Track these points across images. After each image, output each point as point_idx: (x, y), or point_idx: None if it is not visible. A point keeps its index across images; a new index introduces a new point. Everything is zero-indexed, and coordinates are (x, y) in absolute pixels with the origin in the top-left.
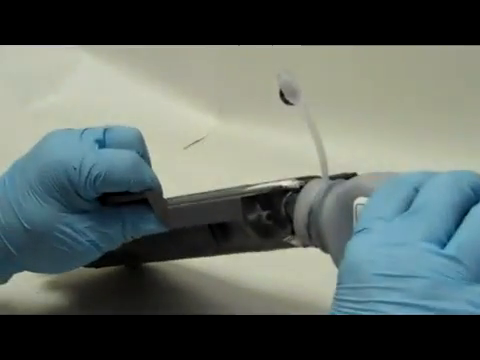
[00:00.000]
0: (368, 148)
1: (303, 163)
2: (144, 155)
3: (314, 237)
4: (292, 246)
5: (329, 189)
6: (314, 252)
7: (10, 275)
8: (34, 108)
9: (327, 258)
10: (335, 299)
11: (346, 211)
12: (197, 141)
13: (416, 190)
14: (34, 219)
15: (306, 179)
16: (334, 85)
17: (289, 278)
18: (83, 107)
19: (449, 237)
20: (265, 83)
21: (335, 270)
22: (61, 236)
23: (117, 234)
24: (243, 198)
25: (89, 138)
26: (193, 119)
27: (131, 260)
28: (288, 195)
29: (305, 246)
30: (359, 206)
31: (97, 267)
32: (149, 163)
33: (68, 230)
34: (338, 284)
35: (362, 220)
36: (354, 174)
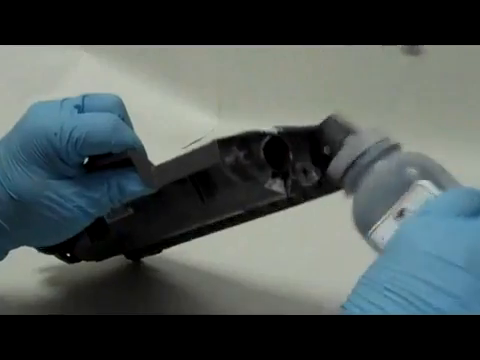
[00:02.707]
0: None
1: None
2: (125, 119)
3: (347, 180)
4: (275, 195)
5: (392, 150)
6: (314, 252)
7: (5, 252)
8: None
9: (327, 258)
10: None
11: (398, 179)
12: (196, 141)
13: None
14: (20, 188)
15: (287, 128)
16: (334, 85)
17: (289, 278)
18: None
19: None
20: (265, 83)
21: (335, 270)
22: (48, 203)
23: (104, 197)
24: (219, 141)
25: (69, 105)
26: (192, 119)
27: (129, 244)
28: (266, 139)
29: (288, 195)
30: (419, 186)
31: (98, 260)
32: (132, 128)
33: (54, 196)
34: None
35: (429, 207)
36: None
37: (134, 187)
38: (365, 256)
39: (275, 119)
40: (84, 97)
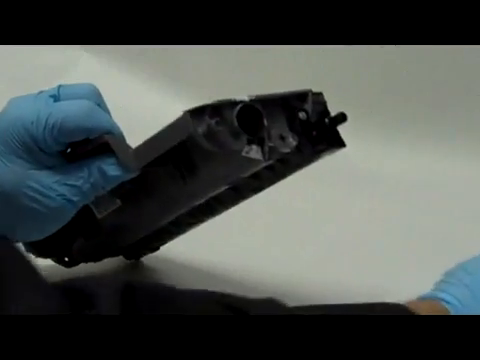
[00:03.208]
0: (367, 147)
1: None
2: (101, 106)
3: None
4: (254, 164)
5: None
6: (315, 252)
7: None
8: None
9: (328, 257)
10: None
11: None
12: None
13: None
14: (2, 180)
15: (260, 95)
16: (334, 85)
17: (290, 277)
18: None
19: None
20: (264, 83)
21: (335, 270)
22: (31, 193)
23: (85, 185)
24: (191, 111)
25: (44, 96)
26: None
27: (124, 239)
28: (239, 107)
29: (266, 160)
30: None
31: (96, 261)
32: (109, 114)
33: (36, 186)
34: None
35: None
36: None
37: (115, 172)
38: (365, 256)
39: None
40: (59, 87)
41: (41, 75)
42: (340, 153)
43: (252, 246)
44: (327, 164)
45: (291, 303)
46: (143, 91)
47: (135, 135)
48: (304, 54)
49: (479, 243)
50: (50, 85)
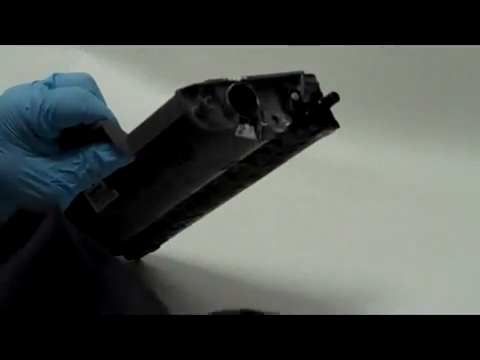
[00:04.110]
0: (367, 147)
1: (301, 161)
2: (96, 94)
3: None
4: (248, 144)
5: None
6: (315, 252)
7: None
8: None
9: (327, 258)
10: None
11: None
12: None
13: None
14: None
15: (252, 76)
16: (334, 84)
17: (290, 277)
18: None
19: None
20: None
21: (335, 270)
22: (26, 179)
23: (81, 171)
24: (182, 90)
25: (39, 84)
26: None
27: (124, 233)
28: (231, 87)
29: (260, 140)
30: None
31: None
32: (104, 102)
33: (32, 172)
34: None
35: None
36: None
37: (110, 157)
38: (365, 256)
39: None
40: (55, 75)
41: (41, 75)
42: (341, 154)
43: (252, 246)
44: (327, 164)
45: (291, 303)
46: (143, 91)
47: None
48: (304, 54)
49: (479, 243)
50: None
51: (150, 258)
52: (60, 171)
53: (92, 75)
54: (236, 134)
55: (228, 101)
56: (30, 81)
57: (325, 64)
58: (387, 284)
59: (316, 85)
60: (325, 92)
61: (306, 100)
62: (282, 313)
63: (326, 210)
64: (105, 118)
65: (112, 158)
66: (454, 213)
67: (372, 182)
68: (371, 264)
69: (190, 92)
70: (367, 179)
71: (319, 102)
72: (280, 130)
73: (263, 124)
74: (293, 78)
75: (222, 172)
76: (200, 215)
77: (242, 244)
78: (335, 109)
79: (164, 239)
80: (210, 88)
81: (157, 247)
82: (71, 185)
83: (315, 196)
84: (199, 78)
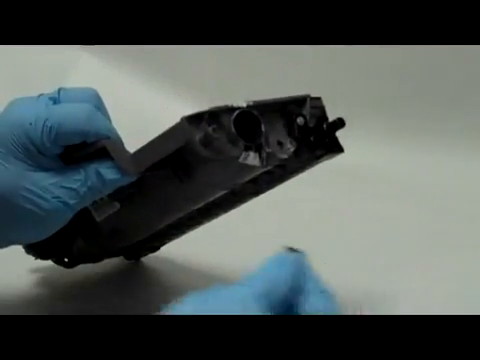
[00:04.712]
0: (367, 147)
1: None
2: (101, 111)
3: None
4: (252, 170)
5: None
6: (314, 252)
7: None
8: None
9: (327, 259)
10: None
11: None
12: None
13: None
14: None
15: (257, 101)
16: (333, 84)
17: None
18: None
19: None
20: (264, 83)
21: (335, 270)
22: (27, 194)
23: (82, 188)
24: (188, 117)
25: (44, 98)
26: None
27: (124, 241)
28: (236, 113)
29: (263, 166)
30: None
31: (96, 261)
32: (109, 119)
33: (33, 187)
34: None
35: None
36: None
37: (112, 175)
38: (364, 256)
39: None
40: (60, 90)
41: (41, 75)
42: (341, 154)
43: (252, 247)
44: (327, 164)
45: None
46: (143, 91)
47: (135, 135)
48: (304, 54)
49: (479, 243)
50: (50, 85)
51: (150, 259)
52: (61, 187)
53: (92, 75)
54: (240, 161)
55: (233, 128)
56: (31, 83)
57: (325, 64)
58: (388, 284)
59: (322, 108)
60: (325, 92)
61: (312, 124)
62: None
63: (327, 210)
64: (108, 137)
65: (114, 176)
66: (455, 213)
67: (372, 182)
68: (371, 264)
69: (195, 119)
70: (367, 179)
71: (324, 126)
72: (284, 156)
73: (268, 150)
74: (299, 102)
75: (224, 192)
76: (200, 224)
77: (242, 245)
78: (335, 109)
79: (164, 243)
80: (215, 115)
81: (157, 249)
82: (72, 201)
83: (315, 197)
84: (199, 78)
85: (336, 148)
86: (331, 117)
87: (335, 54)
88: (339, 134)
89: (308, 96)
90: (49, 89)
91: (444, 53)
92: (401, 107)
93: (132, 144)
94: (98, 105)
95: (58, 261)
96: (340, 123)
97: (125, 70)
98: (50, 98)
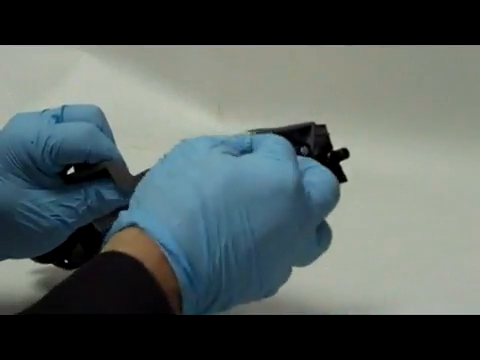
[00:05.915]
0: (368, 148)
1: None
2: (104, 129)
3: None
4: None
5: None
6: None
7: None
8: (34, 108)
9: (326, 259)
10: None
11: None
12: None
13: None
14: None
15: (261, 130)
16: (333, 84)
17: (290, 279)
18: None
19: None
20: (264, 83)
21: (334, 270)
22: (25, 212)
23: (81, 207)
24: None
25: (47, 115)
26: (192, 119)
27: None
28: None
29: None
30: None
31: None
32: (111, 139)
33: (31, 205)
34: None
35: None
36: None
37: (112, 196)
38: (364, 256)
39: (275, 119)
40: (63, 107)
41: (41, 75)
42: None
43: None
44: None
45: (290, 304)
46: (143, 91)
47: (135, 135)
48: (304, 54)
49: (479, 243)
50: (50, 85)
51: None
52: (60, 205)
53: (92, 75)
54: None
55: None
56: (31, 83)
57: (325, 64)
58: (387, 284)
59: (326, 136)
60: (325, 92)
61: (316, 152)
62: (282, 313)
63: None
64: (111, 158)
65: (114, 197)
66: (455, 213)
67: (372, 182)
68: (372, 264)
69: None
70: (367, 179)
71: (328, 156)
72: None
73: None
74: (303, 130)
75: None
76: None
77: None
78: (336, 109)
79: None
80: None
81: None
82: (70, 220)
83: None
84: (199, 78)
85: (339, 178)
86: (333, 120)
87: (336, 54)
88: (340, 134)
89: (312, 124)
90: (49, 89)
91: (445, 53)
92: (401, 108)
93: (132, 143)
94: (101, 123)
95: (58, 263)
96: (344, 154)
97: (125, 70)
98: (53, 115)
